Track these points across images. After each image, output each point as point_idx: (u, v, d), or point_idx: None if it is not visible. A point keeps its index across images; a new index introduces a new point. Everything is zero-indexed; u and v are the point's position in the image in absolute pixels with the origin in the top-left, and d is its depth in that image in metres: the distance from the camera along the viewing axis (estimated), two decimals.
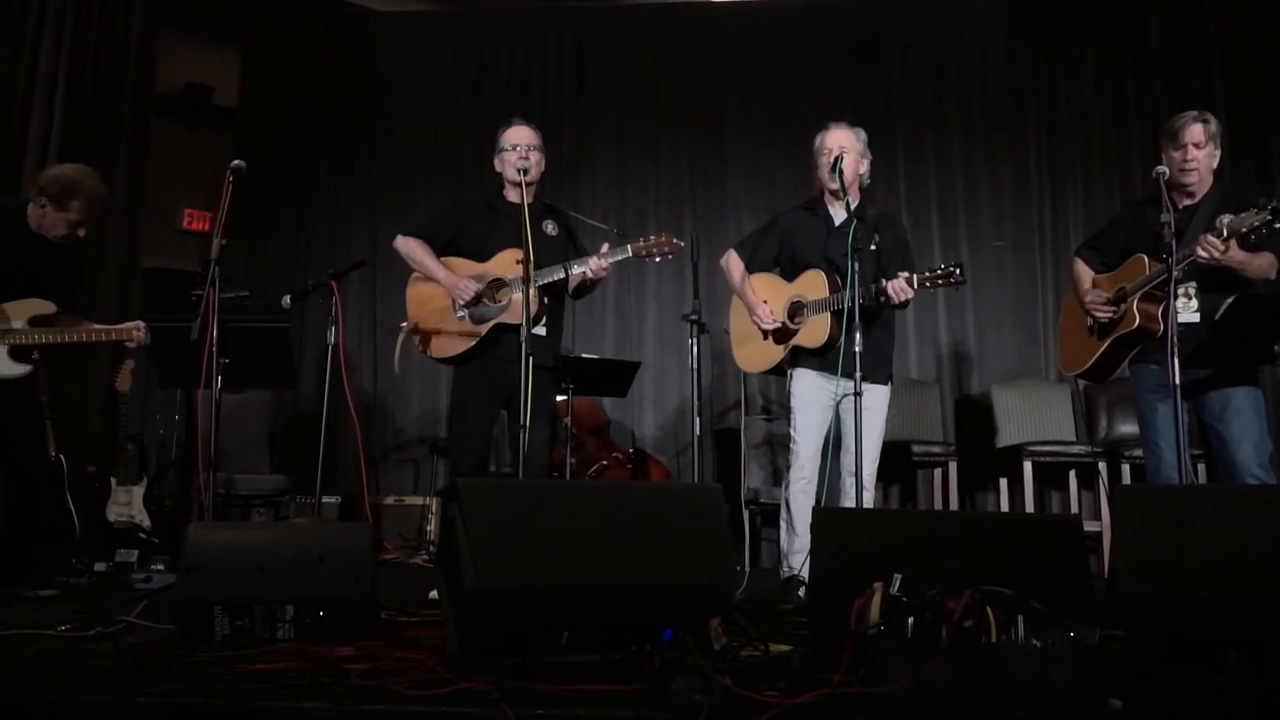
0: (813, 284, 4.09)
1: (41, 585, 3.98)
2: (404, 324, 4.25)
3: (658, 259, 3.98)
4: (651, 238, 3.98)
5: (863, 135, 4.22)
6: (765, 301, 4.21)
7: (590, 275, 3.98)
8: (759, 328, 4.22)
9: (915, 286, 3.83)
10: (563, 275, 3.95)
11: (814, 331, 4.04)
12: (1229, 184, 4.00)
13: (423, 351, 4.22)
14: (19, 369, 4.03)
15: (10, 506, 4.20)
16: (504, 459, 5.30)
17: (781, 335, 4.18)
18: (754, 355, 4.32)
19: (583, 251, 4.19)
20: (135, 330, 4.21)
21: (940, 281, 3.79)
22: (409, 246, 4.19)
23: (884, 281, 3.88)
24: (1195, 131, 3.74)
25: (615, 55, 7.24)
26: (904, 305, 4.01)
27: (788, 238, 4.29)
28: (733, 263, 4.37)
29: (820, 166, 4.17)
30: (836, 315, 3.93)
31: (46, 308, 4.08)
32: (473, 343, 4.05)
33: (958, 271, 3.76)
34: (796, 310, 4.13)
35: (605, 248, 4.00)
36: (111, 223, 5.91)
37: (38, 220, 4.07)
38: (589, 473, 5.82)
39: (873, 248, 3.92)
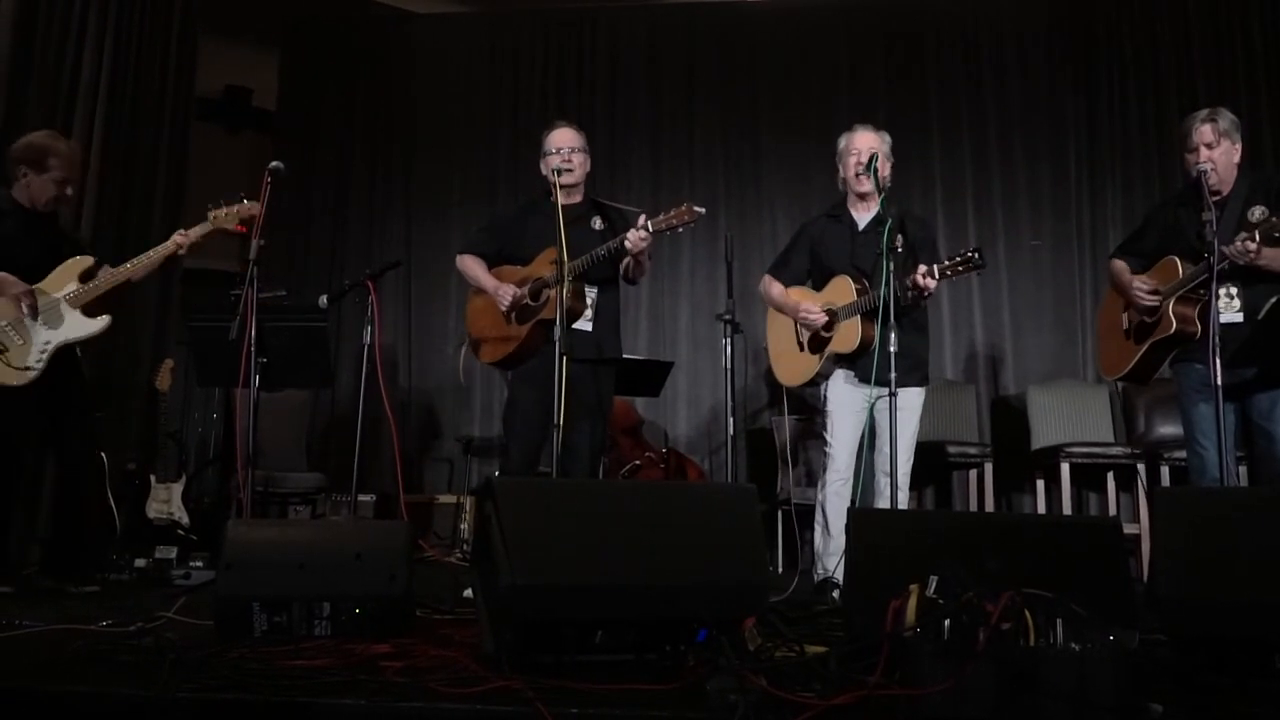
0: (840, 290, 4.08)
1: (84, 581, 4.05)
2: (464, 343, 4.30)
3: (680, 229, 3.86)
4: (672, 210, 3.83)
5: (888, 139, 4.21)
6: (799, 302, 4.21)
7: (630, 247, 3.85)
8: (802, 335, 4.20)
9: (937, 277, 3.80)
10: (598, 258, 3.88)
11: (847, 337, 4.02)
12: (1259, 174, 3.94)
13: (480, 360, 4.26)
14: (100, 323, 4.06)
15: (59, 503, 4.27)
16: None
17: (816, 344, 4.17)
18: (792, 368, 4.30)
19: None
20: (178, 239, 4.17)
21: (961, 268, 3.75)
22: (464, 263, 4.24)
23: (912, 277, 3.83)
24: (1204, 132, 3.68)
25: (649, 55, 7.25)
26: (926, 298, 3.97)
27: (815, 247, 4.29)
28: (770, 284, 4.36)
29: (847, 167, 4.17)
30: (866, 317, 3.92)
31: (87, 262, 4.11)
32: (517, 343, 4.06)
33: (976, 255, 3.71)
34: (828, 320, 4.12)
35: (641, 219, 3.88)
36: (152, 224, 5.98)
37: (26, 194, 4.08)
38: (622, 472, 5.83)
39: (898, 249, 3.88)
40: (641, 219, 3.86)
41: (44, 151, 4.07)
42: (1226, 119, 3.71)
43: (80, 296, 4.04)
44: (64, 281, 4.06)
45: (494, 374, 6.30)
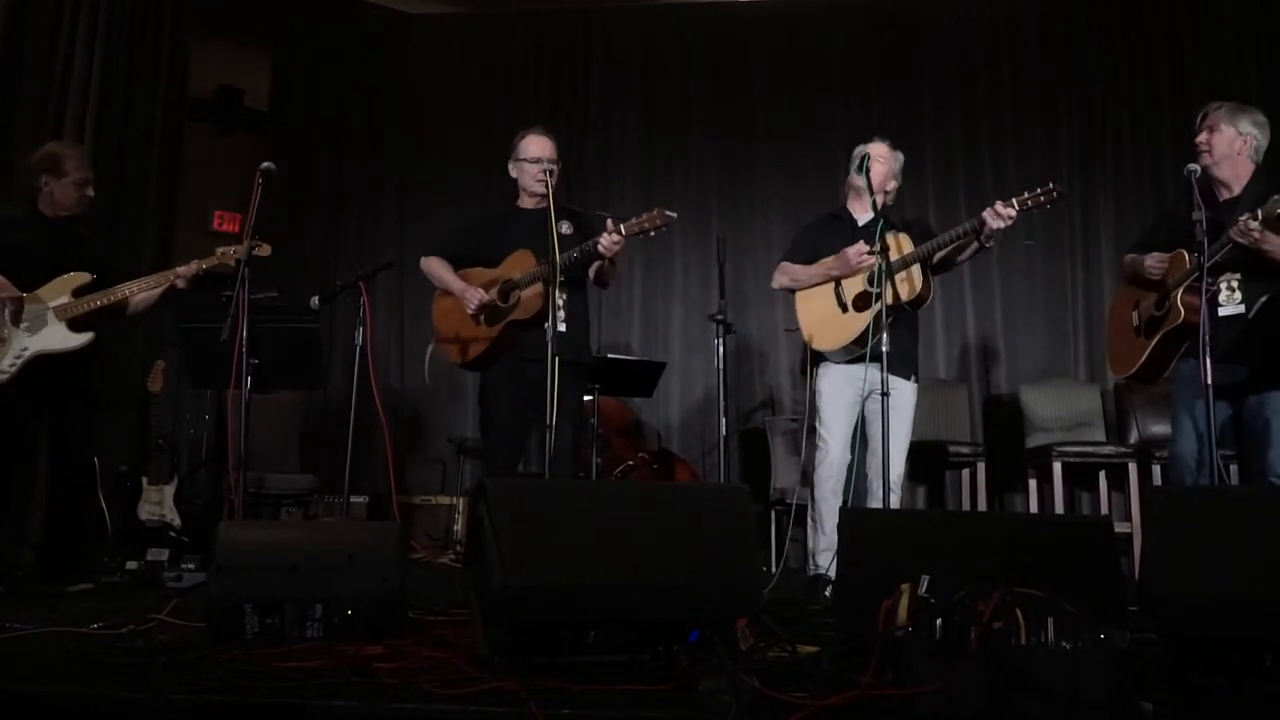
0: (895, 247, 3.99)
1: (77, 580, 4.05)
2: (431, 344, 4.31)
3: (652, 234, 3.88)
4: (644, 215, 3.84)
5: (900, 157, 4.26)
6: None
7: (604, 250, 3.87)
8: (845, 295, 4.09)
9: (1018, 208, 3.69)
10: (572, 260, 3.88)
11: (905, 287, 3.93)
12: (1274, 177, 3.95)
13: (451, 363, 4.27)
14: (82, 338, 4.11)
15: (55, 506, 4.28)
16: (533, 459, 5.29)
17: (863, 302, 4.04)
18: (837, 332, 4.12)
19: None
20: (180, 270, 4.20)
21: (1043, 199, 3.66)
22: (429, 265, 4.25)
23: (982, 215, 3.75)
24: (1211, 117, 3.76)
25: (643, 57, 7.26)
26: (991, 237, 3.83)
27: (817, 243, 4.29)
28: (787, 266, 4.31)
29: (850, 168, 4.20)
30: (924, 267, 3.93)
31: (83, 278, 4.16)
32: (488, 345, 4.08)
33: (1056, 186, 3.64)
34: (872, 278, 3.97)
35: (610, 223, 3.89)
36: (145, 225, 5.98)
37: (49, 202, 4.19)
38: (615, 473, 5.83)
39: (892, 238, 3.86)
40: (610, 223, 3.88)
41: (59, 157, 4.21)
42: (1242, 112, 3.75)
43: (68, 310, 4.10)
44: (58, 293, 4.12)
45: None
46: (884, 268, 3.72)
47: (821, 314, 4.21)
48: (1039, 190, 3.67)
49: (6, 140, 5.36)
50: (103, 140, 5.68)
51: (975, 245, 3.91)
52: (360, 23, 7.53)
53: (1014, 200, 3.70)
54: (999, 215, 3.71)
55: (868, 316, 3.99)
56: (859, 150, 4.20)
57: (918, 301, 3.94)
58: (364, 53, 7.51)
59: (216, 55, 7.34)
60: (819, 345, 4.21)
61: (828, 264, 4.15)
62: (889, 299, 3.82)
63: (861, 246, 3.98)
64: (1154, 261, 3.79)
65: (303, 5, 7.45)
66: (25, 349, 4.03)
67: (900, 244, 4.01)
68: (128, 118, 5.93)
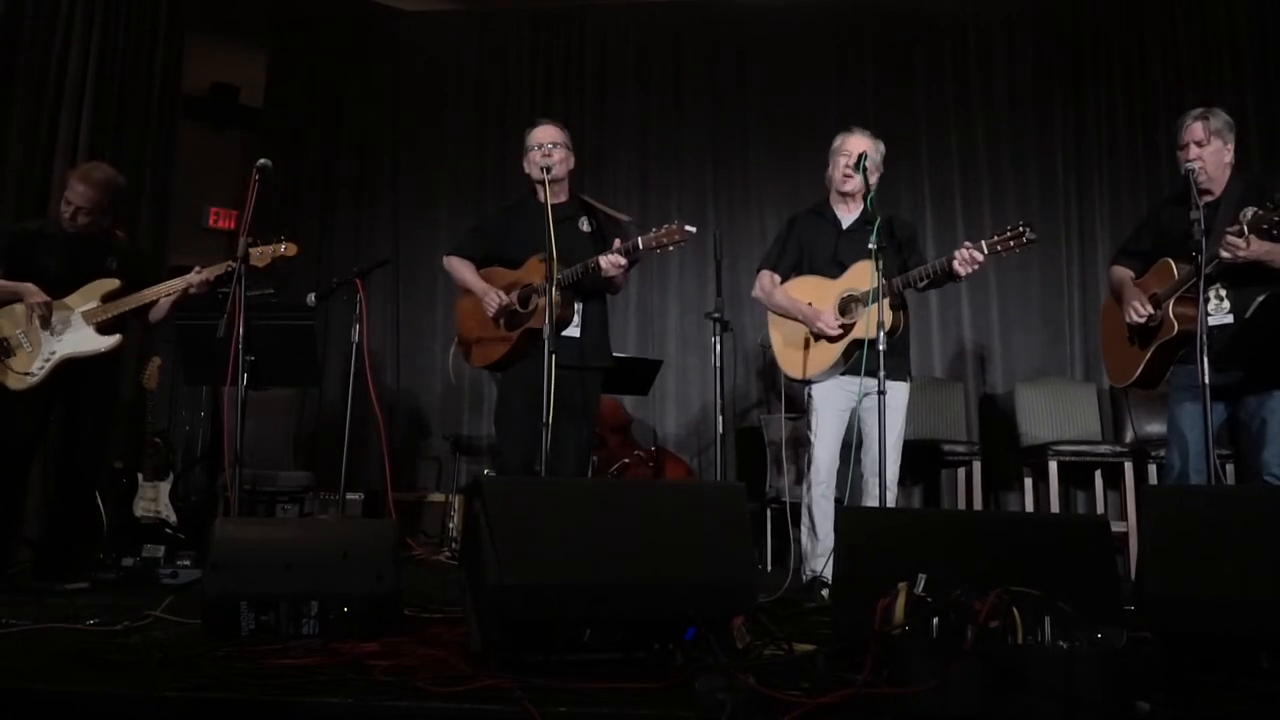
0: (862, 275, 3.95)
1: (72, 580, 4.04)
2: (454, 343, 4.31)
3: (670, 248, 3.86)
4: (664, 227, 3.83)
5: (882, 147, 4.21)
6: (810, 304, 4.10)
7: (605, 270, 3.87)
8: (822, 335, 4.07)
9: (986, 252, 3.66)
10: (578, 275, 3.88)
11: (874, 323, 3.84)
12: (1252, 175, 3.95)
13: (470, 363, 4.25)
14: (109, 340, 4.19)
15: (58, 503, 4.29)
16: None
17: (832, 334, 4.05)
18: (809, 361, 4.14)
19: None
20: (193, 276, 4.23)
21: (1012, 243, 3.61)
22: (451, 265, 4.24)
23: (953, 254, 3.72)
24: (1194, 130, 3.70)
25: (638, 53, 7.25)
26: (957, 280, 3.85)
27: (803, 243, 4.27)
28: (766, 283, 4.28)
29: (836, 166, 4.18)
30: (894, 303, 3.88)
31: (112, 284, 4.23)
32: (507, 349, 4.07)
33: (1027, 230, 3.59)
34: (847, 306, 4.01)
35: (617, 243, 3.90)
36: (139, 222, 5.97)
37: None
38: (610, 471, 5.82)
39: (883, 246, 3.84)
40: (617, 243, 3.87)
41: (65, 181, 4.32)
42: (1219, 119, 3.72)
43: (95, 314, 4.18)
44: (87, 299, 4.20)
45: (482, 373, 6.31)
46: (880, 266, 3.70)
47: (792, 342, 4.20)
48: (1009, 233, 3.64)
49: (3, 138, 5.35)
50: (97, 137, 5.67)
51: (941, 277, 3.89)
52: (355, 19, 7.52)
53: (983, 243, 3.68)
54: (966, 261, 3.70)
55: (838, 348, 4.02)
56: (841, 146, 4.17)
57: (891, 333, 3.92)
58: (359, 49, 7.50)
59: (211, 52, 7.33)
60: (786, 370, 4.22)
61: (801, 308, 4.12)
62: (861, 333, 3.85)
63: (831, 321, 4.00)
64: (1136, 315, 3.75)
65: (297, 2, 7.44)
66: (53, 352, 4.12)
67: (864, 274, 3.97)
68: (122, 115, 5.92)
